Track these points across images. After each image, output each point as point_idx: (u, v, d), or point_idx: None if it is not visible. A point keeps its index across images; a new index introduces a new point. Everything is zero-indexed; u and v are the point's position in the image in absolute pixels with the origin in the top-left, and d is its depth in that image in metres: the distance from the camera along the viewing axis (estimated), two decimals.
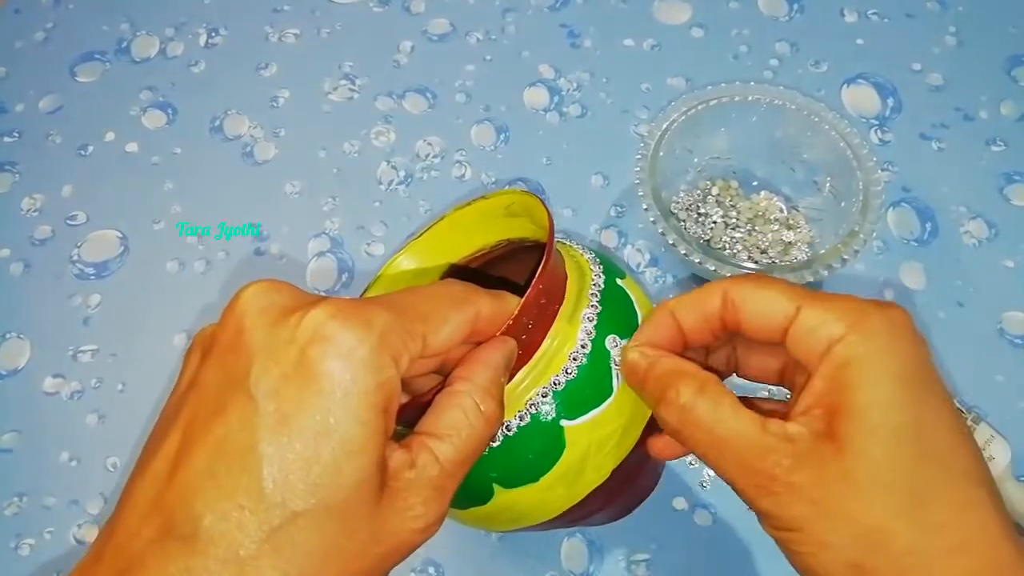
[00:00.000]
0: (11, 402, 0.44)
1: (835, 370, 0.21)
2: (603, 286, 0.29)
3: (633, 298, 0.30)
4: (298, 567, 0.19)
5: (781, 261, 0.44)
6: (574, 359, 0.27)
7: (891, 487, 0.20)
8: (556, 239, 0.29)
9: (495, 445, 0.26)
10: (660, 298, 0.45)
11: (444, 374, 0.25)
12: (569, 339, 0.27)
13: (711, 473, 0.40)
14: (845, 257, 0.39)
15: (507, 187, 0.31)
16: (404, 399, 0.24)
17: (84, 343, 0.46)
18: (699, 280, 0.45)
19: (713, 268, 0.39)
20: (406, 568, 0.39)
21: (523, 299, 0.25)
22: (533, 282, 0.25)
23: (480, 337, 0.25)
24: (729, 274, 0.39)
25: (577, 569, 0.38)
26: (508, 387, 0.26)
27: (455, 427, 0.23)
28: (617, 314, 0.29)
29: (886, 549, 0.20)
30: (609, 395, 0.27)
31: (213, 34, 0.58)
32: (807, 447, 0.21)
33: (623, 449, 0.28)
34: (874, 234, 0.40)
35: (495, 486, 0.27)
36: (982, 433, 0.39)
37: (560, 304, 0.27)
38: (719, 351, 0.27)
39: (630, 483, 0.30)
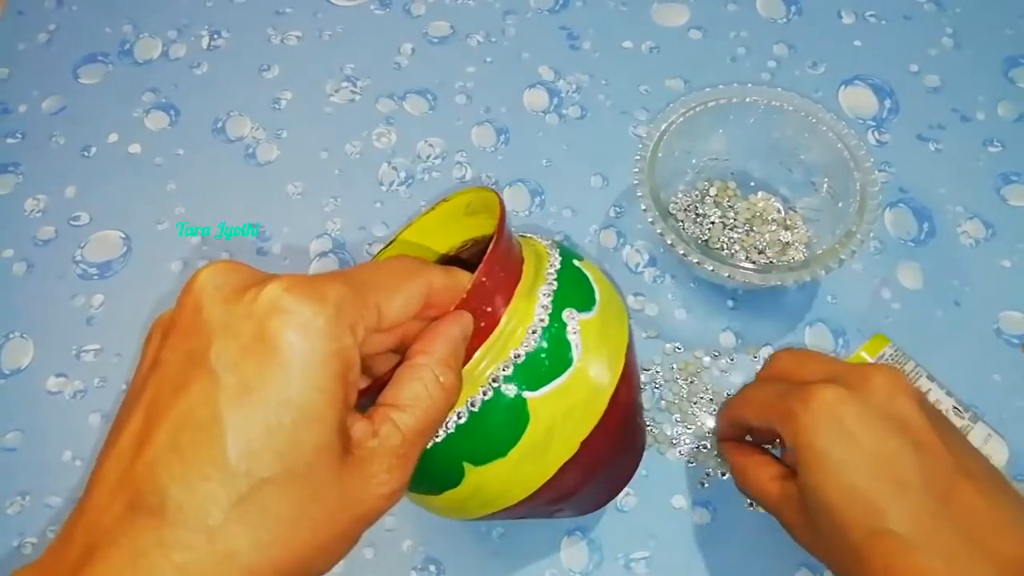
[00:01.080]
0: (14, 401, 0.45)
1: (796, 456, 0.30)
2: (560, 266, 0.30)
3: (590, 276, 0.31)
4: (269, 533, 0.20)
5: (778, 261, 0.44)
6: (533, 332, 0.28)
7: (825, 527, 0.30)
8: (519, 234, 0.30)
9: (462, 422, 0.27)
10: (658, 298, 0.46)
11: (402, 353, 0.25)
12: (527, 315, 0.28)
13: (710, 472, 0.40)
14: (842, 257, 0.39)
15: (479, 186, 0.32)
16: (365, 383, 0.24)
17: (87, 343, 0.46)
18: (697, 280, 0.46)
19: (711, 268, 0.39)
20: (407, 566, 0.39)
21: (477, 271, 0.26)
22: (485, 256, 0.26)
23: (434, 312, 0.26)
24: (727, 274, 0.39)
25: (577, 567, 0.38)
26: (470, 365, 0.27)
27: (415, 398, 0.23)
28: (574, 290, 0.30)
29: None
30: (568, 366, 0.28)
31: (215, 36, 0.58)
32: (798, 502, 0.31)
33: (588, 420, 0.29)
34: (871, 234, 0.40)
35: (465, 465, 0.28)
36: (979, 432, 0.39)
37: (517, 283, 0.28)
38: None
39: (604, 461, 0.31)
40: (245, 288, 0.22)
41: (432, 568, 0.39)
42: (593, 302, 0.30)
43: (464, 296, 0.26)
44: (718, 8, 0.57)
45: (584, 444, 0.29)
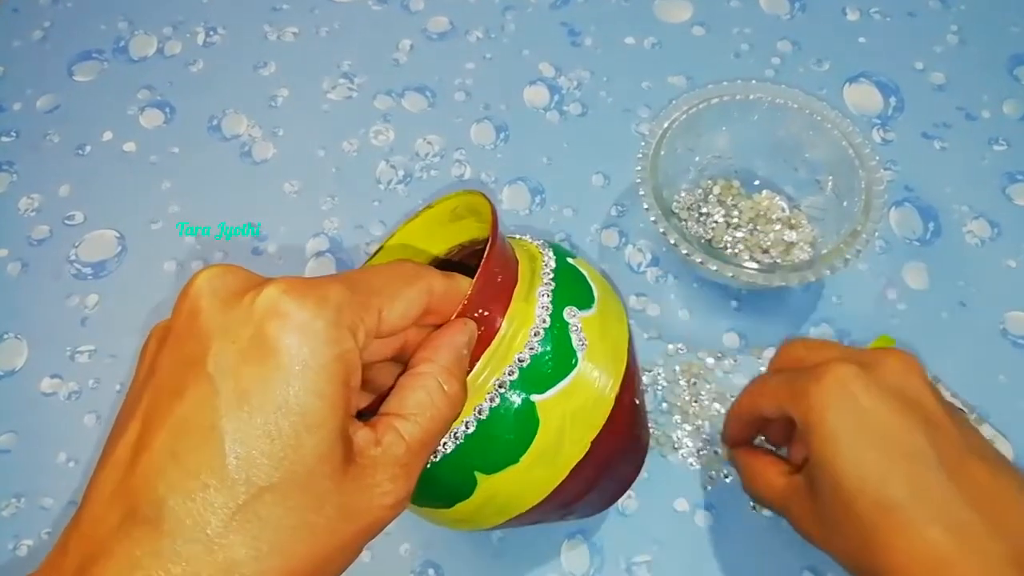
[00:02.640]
0: (9, 403, 0.44)
1: (806, 438, 0.30)
2: (555, 265, 0.30)
3: (585, 273, 0.31)
4: (268, 543, 0.19)
5: (783, 261, 0.44)
6: (535, 335, 0.27)
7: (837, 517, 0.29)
8: (508, 235, 0.30)
9: (470, 432, 0.27)
10: (660, 298, 0.45)
11: (403, 362, 0.25)
12: (528, 317, 0.27)
13: (713, 475, 0.40)
14: (848, 257, 0.39)
15: (465, 189, 0.31)
16: (367, 400, 0.24)
17: (82, 343, 0.46)
18: (701, 280, 0.45)
19: (715, 268, 0.39)
20: (405, 570, 0.38)
21: (476, 276, 0.25)
22: (483, 260, 0.26)
23: (435, 318, 0.25)
24: (731, 274, 0.39)
25: (578, 571, 0.38)
26: (473, 373, 0.26)
27: (419, 407, 0.23)
28: (572, 288, 0.29)
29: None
30: (574, 366, 0.28)
31: (211, 33, 0.57)
32: (806, 490, 0.30)
33: (598, 419, 0.28)
34: (876, 234, 0.40)
35: (477, 475, 0.27)
36: (985, 434, 0.38)
37: (514, 287, 0.28)
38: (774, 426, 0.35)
39: (614, 460, 0.30)
40: (243, 291, 0.21)
41: (431, 572, 0.38)
42: (592, 299, 0.30)
43: (465, 303, 0.25)
44: (721, 4, 0.56)
45: (594, 443, 0.28)
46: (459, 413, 0.25)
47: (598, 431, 0.28)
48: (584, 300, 0.29)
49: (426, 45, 0.56)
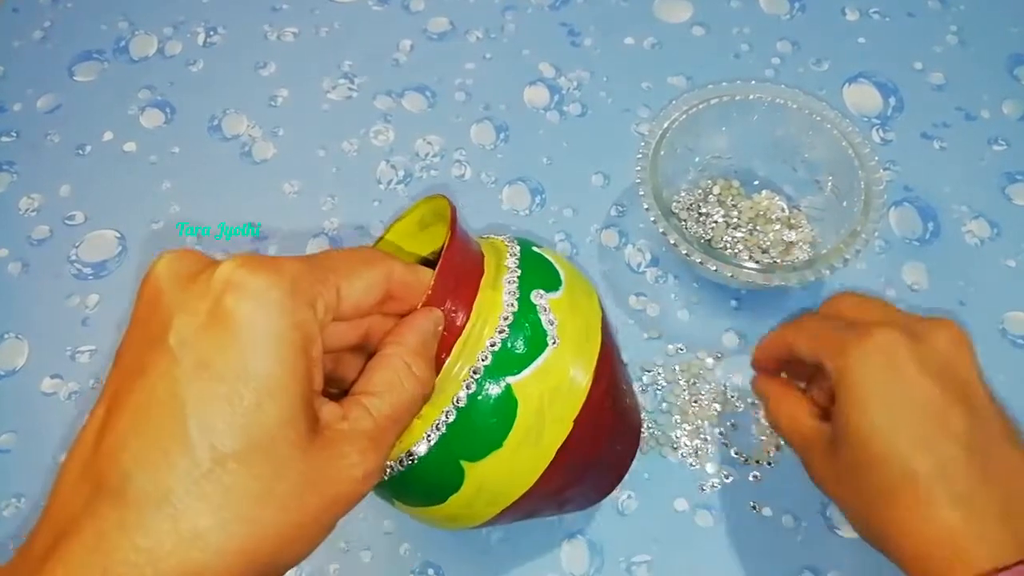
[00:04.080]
0: (9, 403, 0.44)
1: (838, 393, 0.29)
2: (520, 254, 0.30)
3: (551, 259, 0.31)
4: (233, 511, 0.19)
5: (782, 261, 0.44)
6: (505, 319, 0.28)
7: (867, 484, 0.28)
8: (478, 236, 0.31)
9: (451, 421, 0.27)
10: (660, 298, 0.45)
11: (368, 354, 0.25)
12: (496, 304, 0.28)
13: (714, 478, 0.40)
14: (847, 257, 0.39)
15: (428, 196, 0.31)
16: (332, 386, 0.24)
17: (82, 343, 0.46)
18: (700, 280, 0.45)
19: (714, 268, 0.39)
20: (405, 570, 0.38)
21: (438, 265, 0.26)
22: (443, 251, 0.26)
23: (398, 305, 0.26)
24: (730, 274, 0.39)
25: (578, 571, 0.38)
26: (447, 364, 0.27)
27: (387, 385, 0.23)
28: (537, 273, 0.30)
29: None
30: (546, 346, 0.28)
31: (211, 33, 0.57)
32: (829, 441, 0.30)
33: (576, 397, 0.29)
34: (876, 233, 0.40)
35: (463, 463, 0.28)
36: None
37: (480, 277, 0.28)
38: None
39: (600, 442, 0.31)
40: (201, 270, 0.22)
41: (431, 572, 0.38)
42: (559, 281, 0.30)
43: (429, 292, 0.26)
44: (721, 4, 0.56)
45: (577, 422, 0.29)
46: (428, 395, 0.25)
47: (579, 409, 0.29)
48: (550, 283, 0.30)
49: (426, 45, 0.56)
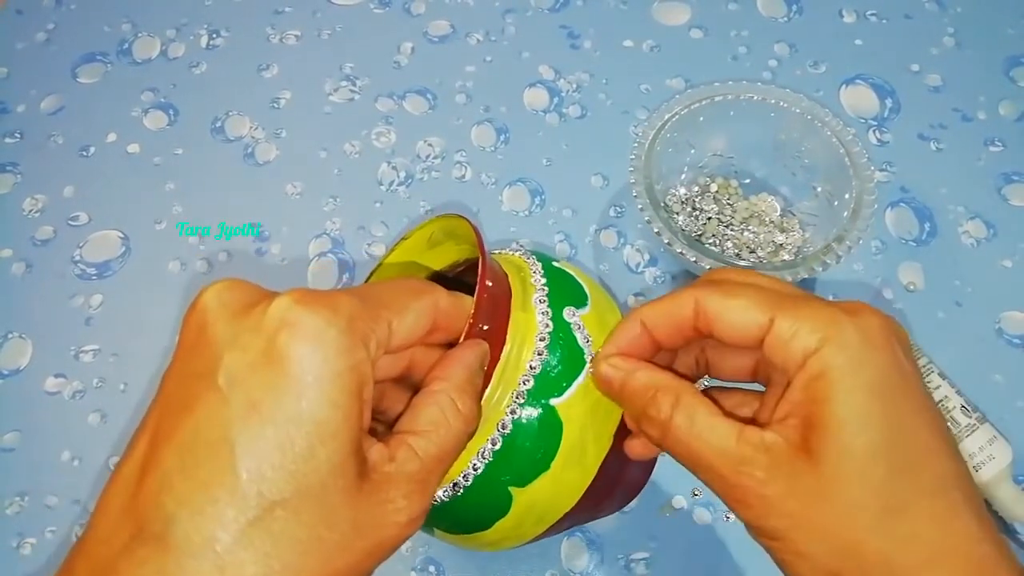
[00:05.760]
0: (13, 402, 0.44)
1: (810, 381, 0.21)
2: (543, 271, 0.30)
3: (573, 274, 0.31)
4: (280, 560, 0.19)
5: (768, 261, 0.44)
6: (541, 340, 0.27)
7: (864, 503, 0.21)
8: (491, 251, 0.30)
9: (497, 448, 0.27)
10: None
11: (409, 385, 0.25)
12: (530, 326, 0.28)
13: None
14: (828, 261, 0.39)
15: (440, 215, 0.31)
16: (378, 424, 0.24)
17: (86, 343, 0.46)
18: (690, 276, 0.46)
19: (694, 259, 0.39)
20: (406, 567, 0.39)
21: (476, 294, 0.25)
22: (479, 278, 0.26)
23: (441, 335, 0.25)
24: (709, 267, 0.39)
25: (577, 568, 0.38)
26: (488, 391, 0.26)
27: (433, 423, 0.22)
28: (565, 289, 0.30)
29: (862, 561, 0.21)
30: (584, 364, 0.28)
31: (214, 35, 0.58)
32: (782, 458, 0.21)
33: (615, 411, 0.28)
34: (867, 234, 0.40)
35: (511, 489, 0.27)
36: (984, 434, 0.38)
37: (509, 299, 0.28)
38: (688, 352, 0.27)
39: None
40: (252, 304, 0.21)
41: (432, 569, 0.39)
42: (585, 296, 0.30)
43: (470, 321, 0.25)
44: (719, 7, 0.57)
45: (616, 435, 0.28)
46: (474, 431, 0.24)
47: (618, 423, 0.28)
48: (579, 299, 0.30)
49: (427, 48, 0.56)
